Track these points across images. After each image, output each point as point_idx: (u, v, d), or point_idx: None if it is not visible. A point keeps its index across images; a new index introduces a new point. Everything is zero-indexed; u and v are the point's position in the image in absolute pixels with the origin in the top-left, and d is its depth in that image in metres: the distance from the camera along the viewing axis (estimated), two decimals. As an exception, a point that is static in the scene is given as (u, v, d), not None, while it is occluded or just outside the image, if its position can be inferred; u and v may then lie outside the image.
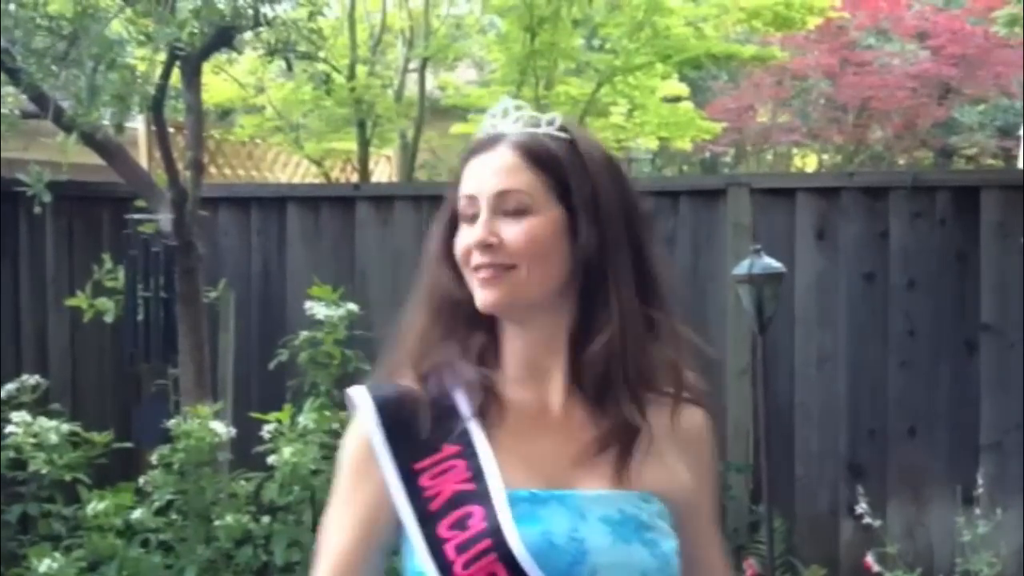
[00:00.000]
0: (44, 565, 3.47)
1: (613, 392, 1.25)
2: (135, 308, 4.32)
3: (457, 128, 7.10)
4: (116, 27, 4.40)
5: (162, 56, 4.28)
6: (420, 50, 6.61)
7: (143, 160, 6.22)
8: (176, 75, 4.40)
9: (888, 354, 4.52)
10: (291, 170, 7.72)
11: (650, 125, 6.59)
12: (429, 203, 5.10)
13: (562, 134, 1.29)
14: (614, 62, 6.13)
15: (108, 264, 4.41)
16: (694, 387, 1.32)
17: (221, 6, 4.15)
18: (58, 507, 3.91)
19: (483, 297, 1.25)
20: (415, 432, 1.26)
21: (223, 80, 6.31)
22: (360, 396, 1.30)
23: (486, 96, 6.68)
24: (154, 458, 3.83)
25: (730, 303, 4.48)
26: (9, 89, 4.35)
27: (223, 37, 4.29)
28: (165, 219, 4.22)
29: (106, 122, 4.20)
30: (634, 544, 1.21)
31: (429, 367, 1.29)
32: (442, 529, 1.21)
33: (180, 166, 4.35)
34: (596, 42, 7.18)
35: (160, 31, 3.96)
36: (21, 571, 3.62)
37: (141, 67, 4.44)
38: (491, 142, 1.28)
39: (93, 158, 4.49)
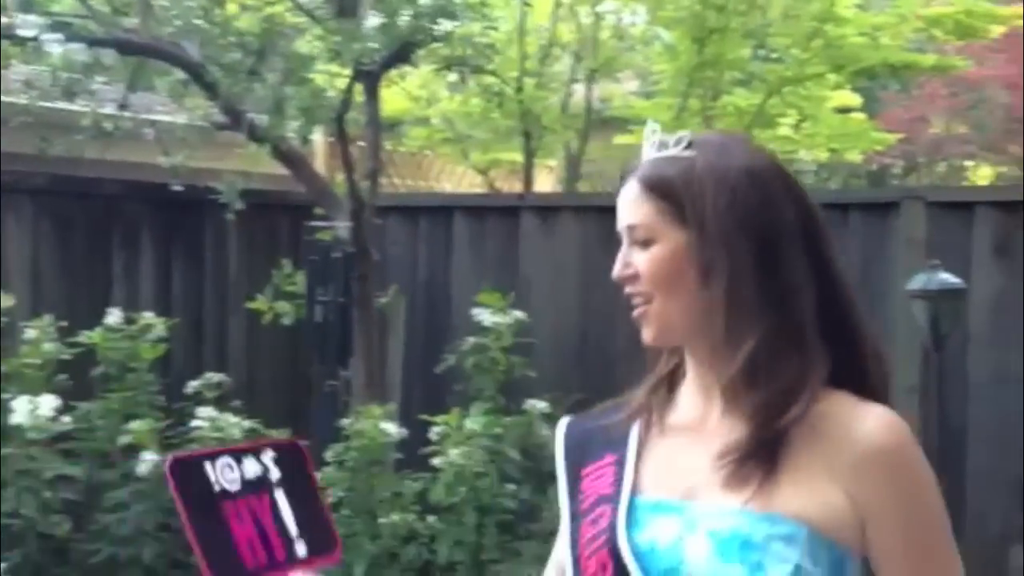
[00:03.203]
0: (225, 553, 3.64)
1: (749, 407, 1.25)
2: (313, 311, 4.50)
3: (620, 139, 7.13)
4: (304, 45, 4.61)
5: (344, 71, 4.46)
6: (588, 62, 6.67)
7: (319, 170, 6.46)
8: (356, 89, 4.57)
9: (1070, 376, 4.34)
10: (456, 180, 7.89)
11: (820, 136, 6.49)
12: (593, 214, 5.15)
13: (686, 153, 1.29)
14: (784, 72, 6.06)
15: (287, 269, 4.61)
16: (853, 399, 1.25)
17: (403, 23, 4.30)
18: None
19: (644, 336, 1.32)
20: (591, 443, 1.37)
21: (395, 93, 6.51)
22: (561, 419, 1.45)
23: (650, 108, 6.69)
24: (328, 455, 3.98)
25: (899, 318, 4.37)
26: (199, 101, 4.61)
27: (402, 52, 4.44)
28: (343, 227, 4.39)
29: (291, 134, 4.41)
30: (733, 563, 1.20)
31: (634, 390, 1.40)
32: (585, 526, 1.31)
33: (360, 176, 4.52)
34: (762, 52, 7.10)
35: (347, 47, 4.13)
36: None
37: (319, 80, 4.64)
38: (625, 175, 1.34)
39: (272, 167, 4.71)
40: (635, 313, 1.30)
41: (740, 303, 1.24)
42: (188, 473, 1.35)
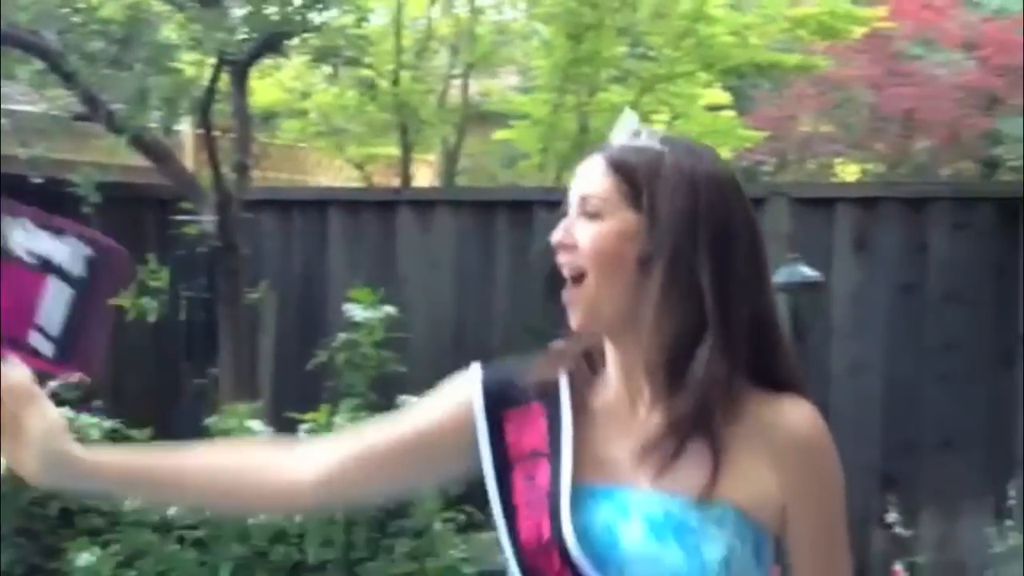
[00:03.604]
0: (82, 559, 3.54)
1: (681, 403, 1.27)
2: (179, 308, 4.40)
3: (499, 134, 7.14)
4: (168, 33, 4.50)
5: (211, 60, 4.37)
6: (465, 56, 6.66)
7: (188, 163, 6.33)
8: (224, 79, 4.48)
9: (925, 366, 4.50)
10: (333, 174, 7.81)
11: (691, 133, 6.60)
12: (470, 208, 5.16)
13: (656, 146, 1.31)
14: (657, 70, 6.14)
15: (152, 264, 4.49)
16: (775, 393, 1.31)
17: (270, 12, 4.23)
18: (96, 502, 3.97)
19: (571, 320, 1.31)
20: (512, 387, 1.35)
21: (268, 84, 6.40)
22: (473, 365, 1.40)
23: (528, 103, 6.72)
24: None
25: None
26: (60, 91, 4.46)
27: (271, 43, 4.37)
28: (209, 221, 4.30)
29: (154, 125, 4.30)
30: (669, 545, 1.24)
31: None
32: (517, 478, 1.31)
33: (225, 169, 4.43)
34: (639, 50, 7.20)
35: (210, 36, 4.04)
36: (60, 564, 3.69)
37: (189, 71, 4.53)
38: (592, 151, 1.34)
39: (139, 160, 4.58)
40: (566, 295, 1.30)
41: (678, 294, 1.26)
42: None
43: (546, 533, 1.27)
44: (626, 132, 1.33)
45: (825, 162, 8.85)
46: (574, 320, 1.30)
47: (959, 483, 4.41)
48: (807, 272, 3.86)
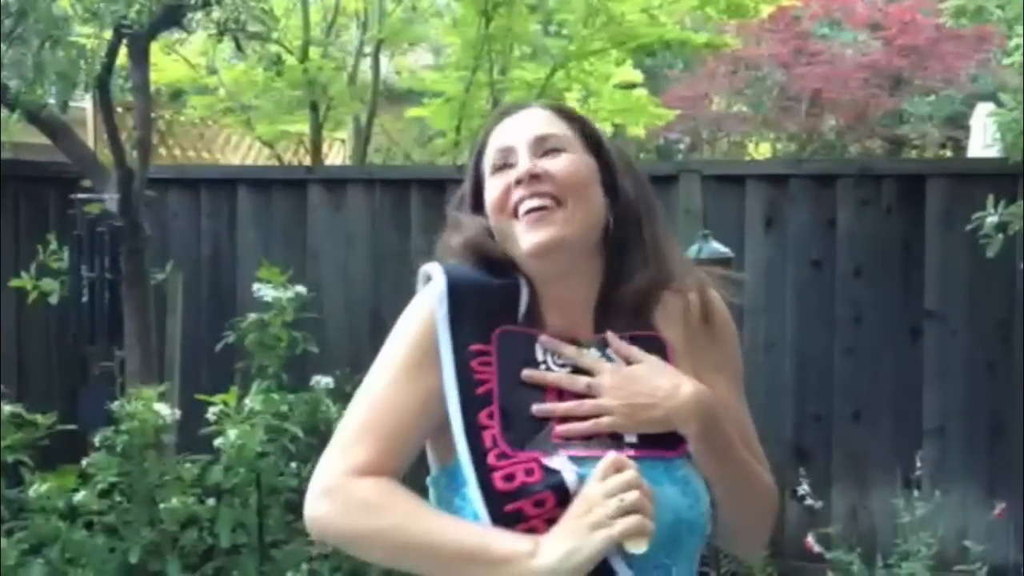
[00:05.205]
0: (-16, 547, 3.43)
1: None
2: (80, 289, 4.27)
3: (412, 112, 7.07)
4: (64, 4, 4.34)
5: (109, 34, 4.23)
6: (374, 32, 6.57)
7: (91, 140, 6.15)
8: (124, 54, 4.35)
9: (834, 340, 4.57)
10: (243, 152, 7.66)
11: (604, 111, 6.60)
12: (382, 187, 5.09)
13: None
14: (569, 48, 6.13)
15: (53, 245, 4.36)
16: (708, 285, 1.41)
17: (169, -17, 4.10)
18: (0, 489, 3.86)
19: (532, 239, 1.30)
20: (478, 316, 1.31)
21: (174, 60, 6.24)
22: (436, 271, 1.34)
23: (441, 80, 6.65)
24: (97, 440, 3.80)
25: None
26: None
27: (171, 15, 4.24)
28: (111, 199, 4.18)
29: (51, 101, 4.15)
30: (664, 485, 1.23)
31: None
32: (483, 417, 1.25)
33: (129, 146, 4.30)
34: (552, 28, 7.17)
35: (106, 8, 3.91)
36: (-39, 554, 3.57)
37: (89, 45, 4.38)
38: (520, 107, 1.39)
39: (41, 138, 4.44)
40: (531, 215, 1.29)
41: (645, 234, 1.36)
42: (515, 344, 1.29)
43: (537, 477, 1.21)
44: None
45: (737, 140, 8.95)
46: (547, 234, 1.29)
47: (868, 455, 4.49)
48: (717, 248, 3.89)
